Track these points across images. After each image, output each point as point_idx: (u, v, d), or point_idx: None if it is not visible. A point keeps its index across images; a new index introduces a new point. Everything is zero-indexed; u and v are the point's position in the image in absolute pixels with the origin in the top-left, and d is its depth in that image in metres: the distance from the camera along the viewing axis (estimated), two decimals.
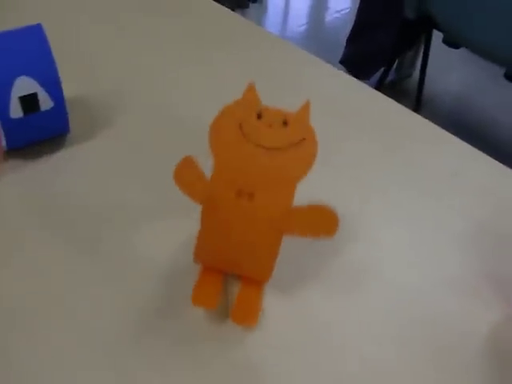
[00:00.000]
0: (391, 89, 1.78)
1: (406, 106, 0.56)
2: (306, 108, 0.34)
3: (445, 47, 1.48)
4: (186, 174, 0.34)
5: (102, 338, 0.35)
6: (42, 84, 0.43)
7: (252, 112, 0.33)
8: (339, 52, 1.71)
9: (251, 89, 0.34)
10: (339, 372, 0.35)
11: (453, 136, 0.53)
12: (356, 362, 0.35)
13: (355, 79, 0.59)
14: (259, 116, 0.33)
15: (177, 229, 0.40)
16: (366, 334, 0.37)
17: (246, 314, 0.36)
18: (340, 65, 1.69)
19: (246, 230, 0.34)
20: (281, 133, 0.33)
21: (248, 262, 0.36)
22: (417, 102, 1.67)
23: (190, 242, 0.36)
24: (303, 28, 2.28)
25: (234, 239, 0.35)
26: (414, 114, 0.55)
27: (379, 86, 1.56)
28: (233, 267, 0.36)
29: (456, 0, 1.26)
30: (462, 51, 1.42)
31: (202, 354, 0.35)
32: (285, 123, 0.33)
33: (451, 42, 1.39)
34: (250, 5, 2.19)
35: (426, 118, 0.55)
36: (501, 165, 0.50)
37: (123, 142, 0.48)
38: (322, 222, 0.34)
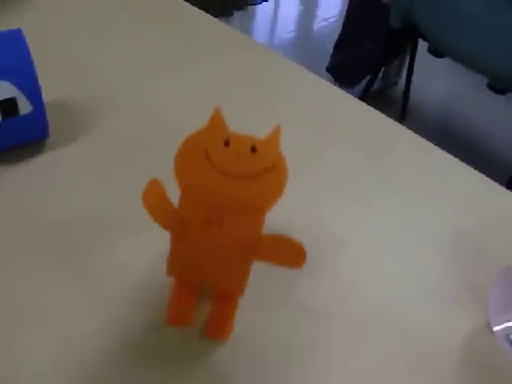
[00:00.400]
0: (377, 97, 1.79)
1: (392, 114, 0.57)
2: (276, 133, 0.32)
3: (431, 56, 1.49)
4: (152, 200, 0.33)
5: (75, 349, 0.34)
6: (21, 88, 0.43)
7: (219, 139, 0.32)
8: (326, 60, 1.72)
9: (217, 114, 0.32)
10: (313, 378, 0.34)
11: (435, 147, 0.53)
12: (334, 368, 0.35)
13: (339, 88, 0.59)
14: (226, 143, 0.32)
15: (156, 239, 0.39)
16: (343, 341, 0.37)
17: (220, 329, 0.36)
18: (327, 73, 1.70)
19: (215, 256, 0.34)
20: (249, 160, 0.32)
21: (219, 281, 0.35)
22: (402, 110, 1.68)
23: (165, 254, 0.35)
24: (291, 35, 2.29)
25: (203, 262, 0.34)
26: (397, 124, 0.55)
27: (365, 95, 1.57)
28: (205, 281, 0.36)
29: (441, 10, 1.27)
30: (448, 60, 1.43)
31: (178, 367, 0.34)
32: (253, 149, 0.32)
33: (436, 52, 1.40)
34: (235, 12, 2.19)
35: (411, 126, 0.55)
36: (482, 175, 0.50)
37: (104, 148, 0.48)
38: (289, 254, 0.34)
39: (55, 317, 0.36)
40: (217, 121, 0.32)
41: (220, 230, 0.32)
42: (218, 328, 0.36)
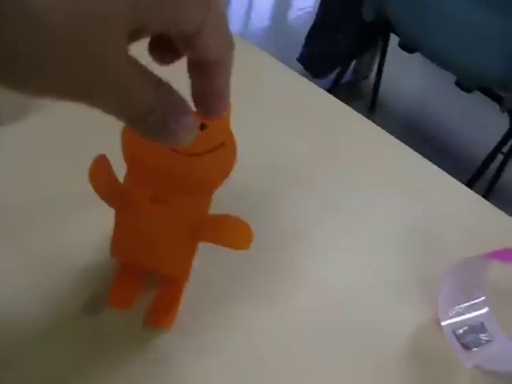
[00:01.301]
0: (347, 90, 1.79)
1: (361, 107, 0.57)
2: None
3: (402, 51, 1.50)
4: (99, 176, 0.32)
5: (11, 330, 0.33)
6: None
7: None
8: (299, 49, 1.71)
9: None
10: (260, 372, 0.34)
11: (397, 140, 0.53)
12: (281, 360, 0.35)
13: (306, 79, 0.59)
14: None
15: (102, 220, 0.38)
16: (293, 334, 0.36)
17: (162, 316, 0.35)
18: (298, 63, 1.69)
19: (160, 234, 0.33)
20: (197, 137, 0.31)
21: (163, 262, 0.35)
22: (372, 104, 1.69)
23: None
24: (265, 24, 2.28)
25: (148, 241, 0.33)
26: (362, 117, 0.55)
27: (335, 87, 1.57)
28: (149, 264, 0.35)
29: (412, 4, 1.28)
30: (419, 56, 1.44)
31: (117, 352, 0.33)
32: (203, 127, 0.30)
33: (406, 47, 1.41)
34: None
35: (380, 120, 0.55)
36: (441, 170, 0.51)
37: (52, 126, 0.46)
38: (235, 234, 0.32)
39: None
40: None
41: (164, 207, 0.31)
42: (159, 315, 0.35)
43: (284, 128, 0.51)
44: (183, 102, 0.23)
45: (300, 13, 2.35)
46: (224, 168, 0.31)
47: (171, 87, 0.23)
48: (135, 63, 0.22)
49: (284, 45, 1.76)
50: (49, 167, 0.43)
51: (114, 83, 0.21)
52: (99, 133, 0.46)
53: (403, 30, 1.35)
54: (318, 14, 1.65)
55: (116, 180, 0.32)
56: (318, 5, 1.69)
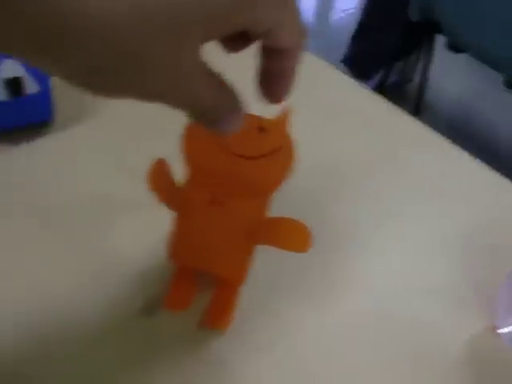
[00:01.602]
0: (391, 91, 1.76)
1: (406, 109, 0.55)
2: (285, 114, 0.31)
3: (448, 52, 1.47)
4: (158, 180, 0.33)
5: (73, 331, 0.34)
6: (28, 68, 0.42)
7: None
8: (343, 51, 1.70)
9: None
10: (310, 374, 0.34)
11: (448, 142, 0.52)
12: (335, 366, 0.34)
13: (353, 80, 0.58)
14: None
15: (158, 223, 0.39)
16: (345, 337, 0.36)
17: (217, 318, 0.35)
18: (342, 65, 1.68)
19: (218, 236, 0.33)
20: (256, 141, 0.31)
21: (220, 265, 0.35)
22: (416, 106, 1.66)
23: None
24: (308, 26, 2.27)
25: (206, 244, 0.34)
26: (411, 118, 0.54)
27: (379, 88, 1.55)
28: (205, 267, 0.35)
29: (463, 5, 1.25)
30: (464, 57, 1.41)
31: (173, 353, 0.34)
32: (262, 130, 0.31)
33: (454, 47, 1.38)
34: None
35: (425, 122, 0.54)
36: (495, 174, 0.49)
37: (108, 130, 0.47)
38: (294, 237, 0.32)
39: (53, 299, 0.35)
40: None
41: (223, 210, 0.32)
42: (215, 317, 0.35)
43: (335, 129, 0.51)
44: (238, 99, 0.25)
45: (343, 14, 2.33)
46: (282, 171, 0.31)
47: (229, 86, 0.24)
48: (204, 66, 0.23)
49: (327, 47, 1.74)
50: (104, 170, 0.44)
51: (184, 87, 0.22)
52: (153, 135, 0.47)
53: (451, 30, 1.32)
54: (362, 15, 1.63)
55: (174, 182, 0.33)
56: (361, 6, 1.67)
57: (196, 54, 0.22)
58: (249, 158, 0.31)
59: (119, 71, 0.20)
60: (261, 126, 0.31)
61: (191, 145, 0.31)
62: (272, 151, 0.31)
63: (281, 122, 0.31)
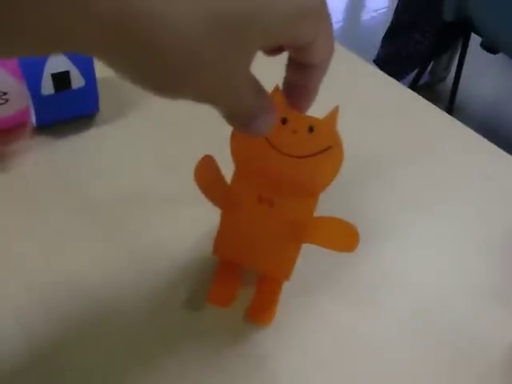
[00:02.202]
0: (424, 91, 1.74)
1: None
2: (334, 114, 0.32)
3: (480, 51, 1.45)
4: (206, 176, 0.33)
5: (117, 325, 0.35)
6: (75, 62, 0.43)
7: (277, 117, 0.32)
8: (374, 51, 1.69)
9: (276, 92, 0.31)
10: (356, 374, 0.34)
11: (486, 140, 0.51)
12: (376, 364, 0.34)
13: (391, 78, 0.58)
14: (284, 121, 0.31)
15: (200, 218, 0.40)
16: (385, 338, 0.36)
17: (262, 313, 0.35)
18: (372, 64, 1.67)
19: (264, 234, 0.34)
20: (305, 140, 0.31)
21: (266, 262, 0.35)
22: (449, 106, 1.64)
23: (211, 233, 0.35)
24: (339, 26, 2.26)
25: (253, 241, 0.34)
26: (449, 116, 0.54)
27: (412, 88, 1.53)
28: (251, 263, 0.36)
29: (496, 4, 1.23)
30: (498, 57, 1.39)
31: (214, 347, 0.34)
32: (311, 129, 0.31)
33: (489, 47, 1.36)
34: None
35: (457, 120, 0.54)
36: None
37: (153, 124, 0.48)
38: (342, 236, 0.33)
39: (95, 283, 0.36)
40: (275, 98, 0.31)
41: (270, 208, 0.32)
42: (260, 312, 0.35)
43: (373, 126, 0.51)
44: (272, 104, 0.27)
45: (374, 14, 2.32)
46: (329, 171, 0.32)
47: (266, 91, 0.26)
48: (250, 75, 0.25)
49: (358, 47, 1.73)
50: (147, 164, 0.45)
51: (233, 95, 0.24)
52: (198, 131, 0.47)
53: (485, 29, 1.30)
54: (395, 14, 1.61)
55: (223, 178, 0.33)
56: (394, 5, 1.66)
57: (249, 63, 0.23)
58: (298, 158, 0.31)
59: (179, 71, 0.21)
60: (310, 126, 0.31)
61: (240, 143, 0.32)
62: (321, 151, 0.31)
63: (329, 122, 0.31)
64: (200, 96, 0.23)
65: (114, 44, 0.20)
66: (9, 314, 0.34)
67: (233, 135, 0.32)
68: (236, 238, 0.35)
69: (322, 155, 0.31)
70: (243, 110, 0.25)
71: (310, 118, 0.31)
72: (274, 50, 0.27)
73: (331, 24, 0.25)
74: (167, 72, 0.21)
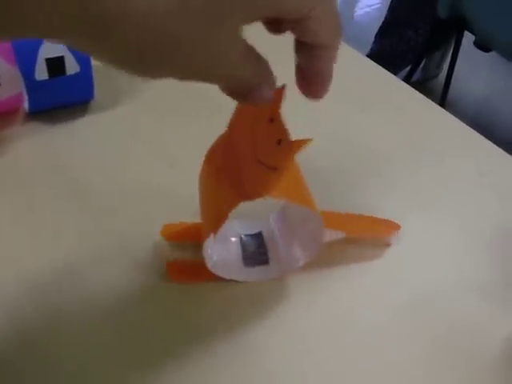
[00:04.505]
0: (417, 88, 1.75)
1: None
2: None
3: (473, 49, 1.45)
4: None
5: (107, 311, 0.35)
6: (70, 48, 0.43)
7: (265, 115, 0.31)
8: (367, 47, 1.69)
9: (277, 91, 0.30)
10: (353, 368, 0.34)
11: (481, 136, 0.51)
12: (371, 359, 0.34)
13: (383, 69, 0.58)
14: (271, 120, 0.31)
15: (194, 204, 0.39)
16: (382, 333, 0.35)
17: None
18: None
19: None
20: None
21: None
22: (442, 102, 1.65)
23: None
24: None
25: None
26: (442, 110, 0.54)
27: None
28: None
29: (490, 2, 1.23)
30: (490, 55, 1.39)
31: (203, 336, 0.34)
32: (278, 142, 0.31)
33: (482, 45, 1.36)
34: None
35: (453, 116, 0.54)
36: None
37: (147, 112, 0.47)
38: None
39: (88, 273, 0.36)
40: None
41: None
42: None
43: (367, 119, 0.51)
44: (271, 72, 0.26)
45: (368, 9, 2.32)
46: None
47: (266, 61, 0.26)
48: (243, 42, 0.24)
49: (351, 41, 1.73)
50: (142, 153, 0.44)
51: (224, 60, 0.23)
52: (194, 119, 0.47)
53: (480, 27, 1.31)
54: (389, 10, 1.62)
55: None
56: (387, 1, 1.66)
57: (235, 31, 0.23)
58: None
59: (158, 47, 0.21)
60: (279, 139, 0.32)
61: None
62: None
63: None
64: (185, 69, 0.23)
65: (91, 29, 0.20)
66: None
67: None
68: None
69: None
70: (240, 82, 0.25)
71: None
72: (275, 28, 0.26)
73: (332, 3, 0.25)
74: (147, 49, 0.21)
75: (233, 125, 0.31)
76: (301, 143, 0.31)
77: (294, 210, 0.37)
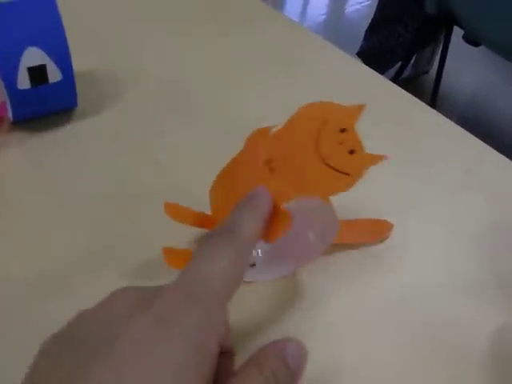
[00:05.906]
0: (407, 84, 1.75)
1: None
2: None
3: (463, 44, 1.45)
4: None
5: None
6: (52, 56, 0.42)
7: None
8: (357, 44, 1.69)
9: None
10: (338, 365, 0.34)
11: (468, 133, 0.51)
12: (360, 357, 0.34)
13: (371, 69, 0.58)
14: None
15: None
16: (370, 327, 0.36)
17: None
18: (356, 57, 1.67)
19: None
20: None
21: None
22: (432, 98, 1.65)
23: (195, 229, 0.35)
24: (323, 18, 2.26)
25: None
26: (430, 109, 0.54)
27: (395, 81, 1.54)
28: None
29: None
30: (480, 50, 1.39)
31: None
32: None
33: (471, 40, 1.37)
34: None
35: (441, 114, 0.54)
36: None
37: (131, 118, 0.47)
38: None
39: (75, 280, 0.36)
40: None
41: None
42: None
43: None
44: None
45: (359, 6, 2.32)
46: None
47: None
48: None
49: (342, 39, 1.74)
50: (127, 160, 0.44)
51: None
52: (177, 124, 0.47)
53: (469, 22, 1.31)
54: (378, 7, 1.62)
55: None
56: None
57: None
58: None
59: None
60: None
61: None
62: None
63: None
64: None
65: None
66: None
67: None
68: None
69: None
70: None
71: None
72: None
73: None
74: None
75: (292, 124, 0.32)
76: (374, 158, 0.33)
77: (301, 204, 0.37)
